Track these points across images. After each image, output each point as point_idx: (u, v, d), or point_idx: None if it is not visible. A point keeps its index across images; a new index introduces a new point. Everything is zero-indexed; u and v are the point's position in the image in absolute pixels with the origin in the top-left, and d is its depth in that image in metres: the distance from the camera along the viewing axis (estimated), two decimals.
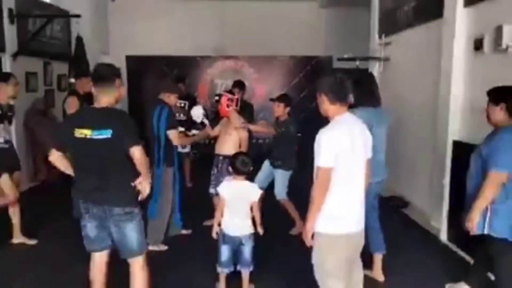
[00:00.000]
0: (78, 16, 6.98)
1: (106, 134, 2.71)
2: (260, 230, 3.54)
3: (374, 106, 3.80)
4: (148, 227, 4.13)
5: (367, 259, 3.39)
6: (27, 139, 6.81)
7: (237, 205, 3.48)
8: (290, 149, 4.85)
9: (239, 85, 6.16)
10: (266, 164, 4.95)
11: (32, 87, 6.96)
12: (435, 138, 4.94)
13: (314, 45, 9.94)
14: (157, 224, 4.38)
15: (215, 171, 4.74)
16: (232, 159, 3.65)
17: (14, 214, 4.52)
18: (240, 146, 4.59)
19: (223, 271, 3.53)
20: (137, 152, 2.78)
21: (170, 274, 3.84)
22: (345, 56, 6.83)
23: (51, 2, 7.63)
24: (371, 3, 7.28)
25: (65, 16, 7.91)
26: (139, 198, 2.88)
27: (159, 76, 9.40)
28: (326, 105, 2.65)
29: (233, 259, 3.54)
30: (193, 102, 6.28)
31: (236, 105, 4.71)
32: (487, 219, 3.06)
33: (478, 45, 4.18)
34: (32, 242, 4.58)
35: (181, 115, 5.93)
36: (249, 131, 4.84)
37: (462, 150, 4.28)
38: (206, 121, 4.91)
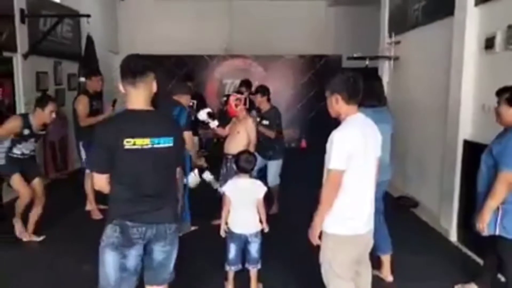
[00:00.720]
0: (88, 16, 7.02)
1: (169, 142, 2.36)
2: (266, 228, 3.54)
3: (373, 106, 3.56)
4: None
5: (375, 260, 3.38)
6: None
7: (242, 203, 3.49)
8: (277, 138, 5.34)
9: (246, 84, 6.17)
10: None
11: (42, 86, 7.01)
12: (446, 137, 4.90)
13: (323, 44, 9.94)
14: None
15: (224, 171, 4.75)
16: (236, 158, 3.67)
17: (33, 213, 4.59)
18: (248, 145, 4.59)
19: (231, 269, 3.54)
20: (180, 170, 2.56)
21: (178, 272, 3.84)
22: (355, 55, 6.80)
23: (61, 2, 7.69)
24: (380, 1, 7.24)
25: (75, 15, 7.97)
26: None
27: (168, 76, 9.43)
28: (340, 105, 2.56)
29: (241, 257, 3.55)
30: (201, 101, 6.30)
31: (245, 104, 4.72)
32: (498, 219, 3.04)
33: (489, 44, 4.14)
34: (40, 238, 4.62)
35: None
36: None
37: (472, 150, 4.24)
38: (211, 122, 4.92)
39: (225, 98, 4.92)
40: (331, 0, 9.87)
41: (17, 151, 4.39)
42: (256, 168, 5.13)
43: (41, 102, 4.44)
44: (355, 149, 2.46)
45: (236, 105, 4.66)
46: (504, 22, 3.87)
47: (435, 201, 5.22)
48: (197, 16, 9.93)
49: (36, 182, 4.57)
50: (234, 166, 3.78)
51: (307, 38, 9.81)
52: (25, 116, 4.43)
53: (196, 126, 5.56)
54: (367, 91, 3.63)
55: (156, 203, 2.38)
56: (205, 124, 5.11)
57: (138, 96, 2.34)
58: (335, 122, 2.65)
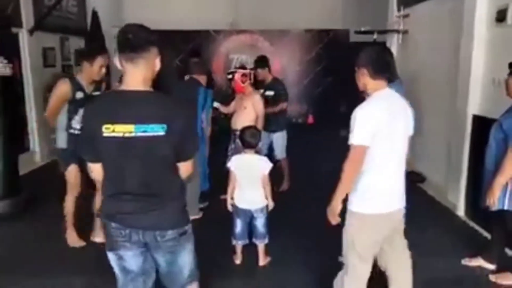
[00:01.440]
0: None
1: (159, 130, 1.89)
2: (271, 203, 3.56)
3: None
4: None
5: None
6: None
7: (247, 178, 3.51)
8: (280, 111, 5.31)
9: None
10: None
11: (49, 62, 7.00)
12: (455, 112, 4.86)
13: (330, 18, 9.78)
14: (192, 192, 4.19)
15: (232, 146, 4.77)
16: (241, 132, 3.67)
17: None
18: (256, 120, 4.59)
19: (238, 243, 3.60)
20: (187, 168, 2.09)
21: None
22: (362, 29, 6.69)
23: None
24: None
25: None
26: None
27: (174, 51, 9.37)
28: (366, 79, 2.49)
29: (247, 231, 3.60)
30: (209, 78, 6.21)
31: (250, 79, 4.69)
32: (507, 194, 3.04)
33: (501, 16, 4.06)
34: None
35: None
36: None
37: (482, 125, 4.21)
38: (217, 105, 4.94)
39: (230, 76, 4.79)
40: None
41: (75, 124, 3.59)
42: (265, 146, 5.16)
43: (89, 56, 3.65)
44: (380, 125, 2.36)
45: (243, 81, 4.64)
46: None
47: (443, 176, 5.22)
48: None
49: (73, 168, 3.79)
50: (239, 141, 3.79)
51: (314, 12, 9.65)
52: (72, 78, 3.69)
53: None
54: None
55: (143, 204, 1.98)
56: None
57: (135, 75, 1.93)
58: (360, 98, 2.58)
